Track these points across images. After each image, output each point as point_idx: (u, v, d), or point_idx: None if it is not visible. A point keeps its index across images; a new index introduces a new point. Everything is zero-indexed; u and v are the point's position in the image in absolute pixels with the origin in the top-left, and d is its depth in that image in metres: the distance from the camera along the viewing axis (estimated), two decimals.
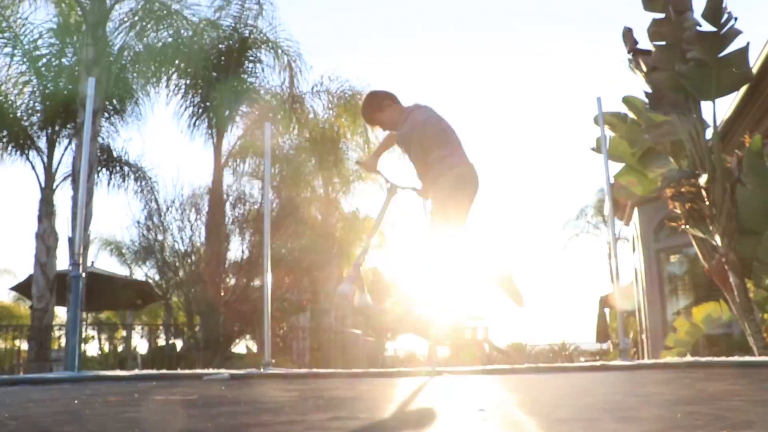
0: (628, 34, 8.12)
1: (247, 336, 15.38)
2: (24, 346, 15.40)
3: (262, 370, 6.40)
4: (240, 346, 17.20)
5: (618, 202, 14.96)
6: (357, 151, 17.64)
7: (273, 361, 6.68)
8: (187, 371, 6.15)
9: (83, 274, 6.52)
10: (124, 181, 15.69)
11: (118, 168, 15.61)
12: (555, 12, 52.09)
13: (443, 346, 27.31)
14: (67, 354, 11.67)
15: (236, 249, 13.38)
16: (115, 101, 15.08)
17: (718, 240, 7.39)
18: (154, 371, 6.04)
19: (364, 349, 17.67)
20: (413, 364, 19.65)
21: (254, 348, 18.85)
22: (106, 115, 15.01)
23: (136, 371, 6.61)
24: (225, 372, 5.96)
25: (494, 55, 54.94)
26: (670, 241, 13.11)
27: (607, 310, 21.79)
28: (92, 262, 18.05)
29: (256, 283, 12.75)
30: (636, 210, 14.29)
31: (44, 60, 14.40)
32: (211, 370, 6.27)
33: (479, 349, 24.52)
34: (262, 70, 15.07)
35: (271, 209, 14.15)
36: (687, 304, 12.48)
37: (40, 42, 14.25)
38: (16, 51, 14.09)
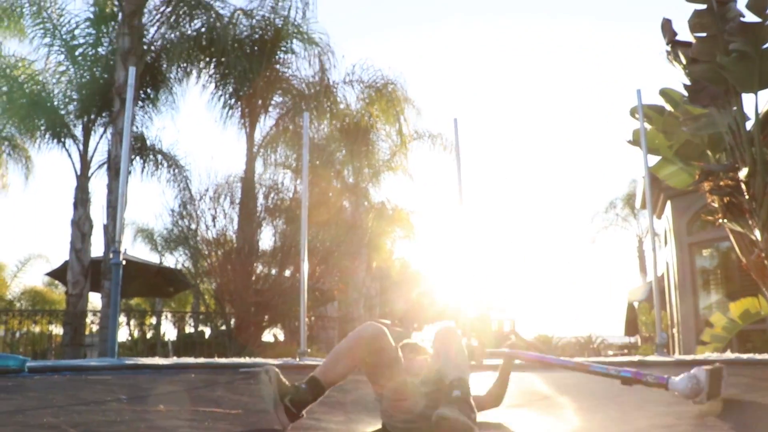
0: (666, 26, 8.00)
1: (278, 325, 15.51)
2: (57, 330, 15.72)
3: (297, 360, 6.46)
4: (267, 335, 17.37)
5: (652, 194, 14.79)
6: (388, 141, 17.65)
7: (308, 351, 6.75)
8: (223, 361, 6.23)
9: (123, 261, 6.63)
10: (157, 169, 15.86)
11: (151, 156, 15.78)
12: (594, 1, 51.47)
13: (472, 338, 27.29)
14: (104, 340, 11.90)
15: (268, 238, 13.48)
16: (149, 90, 15.23)
17: (757, 234, 7.29)
18: (191, 360, 6.13)
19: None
20: None
21: (281, 337, 19.03)
22: (140, 104, 15.18)
23: (174, 359, 6.71)
24: (261, 363, 6.03)
25: (531, 44, 54.49)
26: (702, 234, 12.95)
27: (635, 304, 21.58)
28: (125, 249, 18.30)
29: (287, 272, 12.83)
30: (669, 203, 14.12)
31: (81, 49, 14.61)
32: (247, 360, 6.35)
33: (506, 341, 24.50)
34: (295, 59, 15.13)
35: (299, 199, 14.23)
36: (719, 299, 12.34)
37: (77, 32, 14.47)
38: (54, 41, 14.32)
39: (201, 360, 6.19)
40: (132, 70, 7.20)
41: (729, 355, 6.43)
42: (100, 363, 5.41)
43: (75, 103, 14.86)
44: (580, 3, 52.49)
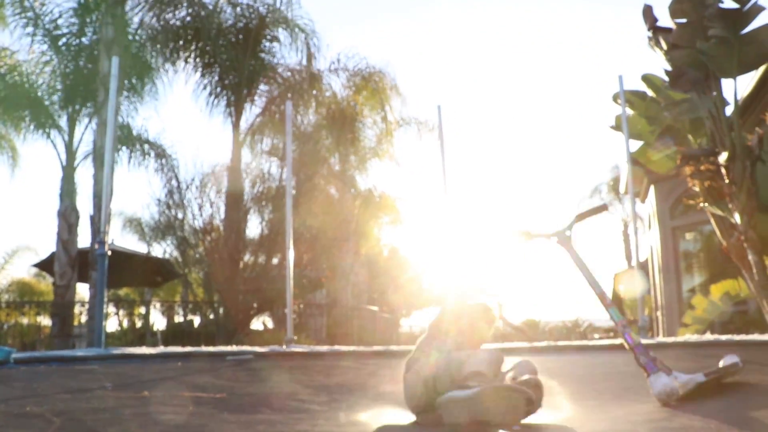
0: (648, 12, 8.06)
1: (266, 312, 15.57)
2: (45, 321, 15.69)
3: (284, 347, 6.52)
4: (256, 323, 17.43)
5: (636, 179, 14.89)
6: (374, 129, 17.66)
7: (295, 338, 6.80)
8: (210, 349, 6.28)
9: (108, 252, 6.64)
10: (144, 158, 15.80)
11: (138, 146, 15.71)
12: None
13: None
14: (92, 331, 11.90)
15: (254, 227, 13.52)
16: (134, 79, 15.15)
17: (737, 218, 7.39)
18: (178, 349, 6.17)
19: (379, 326, 17.83)
20: None
21: (270, 324, 19.09)
22: (126, 93, 15.10)
23: (161, 348, 6.75)
24: (248, 350, 6.09)
25: (515, 29, 54.45)
26: (685, 218, 13.07)
27: (621, 287, 21.78)
28: (113, 240, 18.27)
29: (275, 260, 12.88)
30: (652, 187, 14.23)
31: (64, 39, 14.49)
32: (234, 348, 6.41)
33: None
34: (280, 48, 15.10)
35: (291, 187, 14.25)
36: (702, 282, 12.49)
37: (60, 21, 14.35)
38: (36, 30, 14.20)
39: (188, 349, 6.24)
40: (115, 60, 7.18)
41: (708, 336, 6.55)
42: (87, 353, 5.44)
43: (59, 93, 14.76)
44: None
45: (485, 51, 54.89)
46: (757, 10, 6.93)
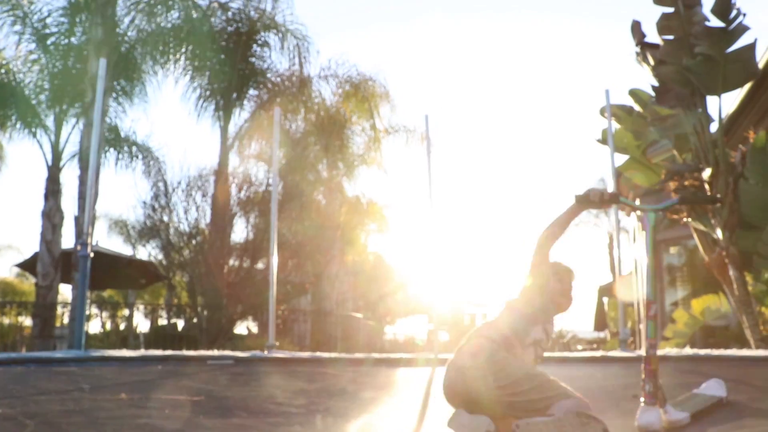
0: (636, 28, 8.16)
1: (249, 317, 15.50)
2: (27, 322, 15.54)
3: (266, 353, 6.50)
4: (241, 327, 17.35)
5: (620, 193, 15.00)
6: (363, 136, 17.67)
7: (277, 344, 6.79)
8: (192, 353, 6.26)
9: (91, 254, 6.59)
10: (131, 161, 15.71)
11: (125, 148, 15.63)
12: (567, 2, 51.88)
13: (443, 331, 27.40)
14: (73, 332, 11.82)
15: (240, 231, 13.47)
16: (123, 81, 15.08)
17: (719, 233, 7.48)
18: (159, 353, 6.14)
19: (363, 333, 17.79)
20: (412, 349, 19.80)
21: (255, 329, 18.99)
22: (114, 94, 15.03)
23: (142, 351, 6.71)
24: (229, 355, 6.07)
25: (503, 42, 54.77)
26: (670, 232, 13.17)
27: (605, 300, 21.87)
28: (97, 241, 18.14)
29: (260, 265, 12.83)
30: (638, 201, 14.33)
31: (53, 39, 14.40)
32: (215, 353, 6.38)
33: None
34: (270, 53, 15.10)
35: (277, 192, 14.24)
36: (685, 296, 12.57)
37: (49, 20, 14.25)
38: (25, 29, 14.10)
39: (168, 352, 6.20)
40: (103, 62, 7.17)
41: (688, 350, 6.60)
42: (66, 355, 5.40)
43: (46, 93, 14.66)
44: (553, 1, 52.90)
45: (476, 62, 55.15)
46: (742, 29, 7.05)
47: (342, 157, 17.59)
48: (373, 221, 21.15)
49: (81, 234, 11.88)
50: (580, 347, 23.92)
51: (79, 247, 6.63)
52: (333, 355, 6.77)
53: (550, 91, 55.90)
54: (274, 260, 6.91)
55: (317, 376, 4.77)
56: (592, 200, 2.77)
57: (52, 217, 13.91)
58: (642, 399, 2.73)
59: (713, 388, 3.46)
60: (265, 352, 6.51)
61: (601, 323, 22.75)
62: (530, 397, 2.51)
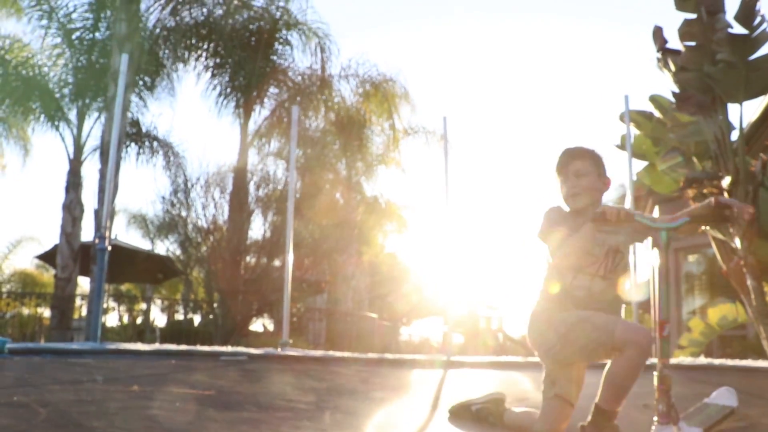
0: (657, 33, 8.09)
1: (265, 314, 15.60)
2: (46, 313, 15.75)
3: (279, 350, 6.54)
4: (257, 324, 17.46)
5: (639, 199, 14.89)
6: (382, 136, 17.70)
7: (290, 341, 6.82)
8: (205, 348, 6.31)
9: (108, 247, 6.68)
10: (152, 155, 15.88)
11: (147, 142, 15.80)
12: (588, 6, 51.57)
13: (457, 334, 27.33)
14: (89, 324, 11.97)
15: (258, 228, 13.56)
16: (145, 77, 15.25)
17: (737, 242, 7.41)
18: (173, 347, 6.21)
19: (378, 333, 17.84)
20: (427, 351, 19.81)
21: (271, 327, 19.10)
22: (137, 90, 15.19)
23: (156, 345, 6.78)
24: (243, 351, 6.12)
25: (524, 45, 54.51)
26: (688, 240, 13.06)
27: (623, 306, 21.74)
28: (116, 235, 18.35)
29: (276, 263, 12.91)
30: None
31: (78, 33, 14.60)
32: (228, 349, 6.43)
33: (493, 339, 24.60)
34: (291, 51, 15.17)
35: (295, 191, 14.32)
36: (703, 304, 12.46)
37: (74, 15, 14.46)
38: (51, 24, 14.32)
39: (183, 347, 6.27)
40: (125, 57, 7.25)
41: (702, 360, 6.54)
42: (82, 346, 5.48)
43: (70, 86, 14.86)
44: (575, 5, 52.59)
45: (496, 63, 54.95)
46: (766, 37, 6.97)
47: (361, 157, 17.64)
48: (391, 222, 21.17)
49: (99, 227, 12.05)
50: None
51: (97, 241, 6.70)
52: (345, 354, 6.80)
53: (571, 96, 55.58)
54: (290, 258, 6.96)
55: (328, 375, 4.79)
56: (609, 219, 2.73)
57: (72, 209, 14.09)
58: (655, 418, 2.71)
59: (724, 397, 3.42)
60: (279, 350, 6.55)
61: None
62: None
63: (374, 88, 16.19)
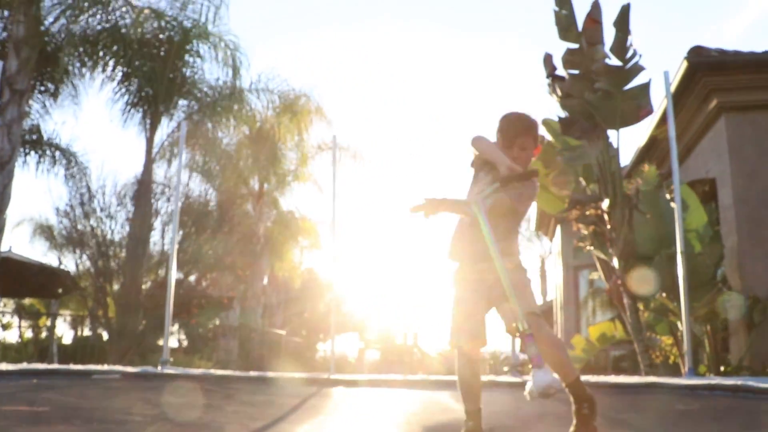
0: (548, 60, 8.42)
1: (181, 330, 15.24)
2: None
3: (159, 368, 6.42)
4: (172, 340, 17.01)
5: (544, 218, 15.38)
6: (294, 151, 17.65)
7: (171, 359, 6.70)
8: (78, 367, 6.13)
9: None
10: (54, 165, 15.27)
11: (48, 151, 15.19)
12: (493, 22, 52.98)
13: (374, 350, 27.33)
14: None
15: (161, 243, 13.24)
16: (48, 83, 14.69)
17: (615, 262, 7.75)
18: (43, 366, 6.01)
19: (287, 349, 17.68)
20: (343, 368, 19.76)
21: (185, 343, 18.69)
22: (38, 95, 14.62)
23: (24, 365, 6.55)
24: (117, 370, 5.98)
25: (432, 57, 55.54)
26: (586, 258, 13.53)
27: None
28: (10, 247, 17.48)
29: (179, 276, 12.66)
30: (559, 226, 14.69)
31: None
32: (104, 367, 6.27)
33: (409, 355, 24.77)
34: (202, 63, 14.93)
35: (205, 203, 14.11)
36: (596, 322, 12.92)
37: None
38: None
39: (53, 366, 6.08)
40: (14, 63, 7.01)
41: None
42: None
43: None
44: (475, 23, 53.90)
45: (402, 68, 55.69)
46: (638, 69, 7.38)
47: (274, 171, 17.52)
48: (307, 237, 21.09)
49: None
50: (505, 368, 24.20)
51: None
52: (228, 372, 6.73)
53: (467, 113, 56.09)
54: (173, 274, 6.85)
55: (192, 392, 4.73)
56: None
57: None
58: (532, 365, 2.66)
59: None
60: (159, 368, 6.43)
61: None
62: None
63: (286, 103, 16.13)
